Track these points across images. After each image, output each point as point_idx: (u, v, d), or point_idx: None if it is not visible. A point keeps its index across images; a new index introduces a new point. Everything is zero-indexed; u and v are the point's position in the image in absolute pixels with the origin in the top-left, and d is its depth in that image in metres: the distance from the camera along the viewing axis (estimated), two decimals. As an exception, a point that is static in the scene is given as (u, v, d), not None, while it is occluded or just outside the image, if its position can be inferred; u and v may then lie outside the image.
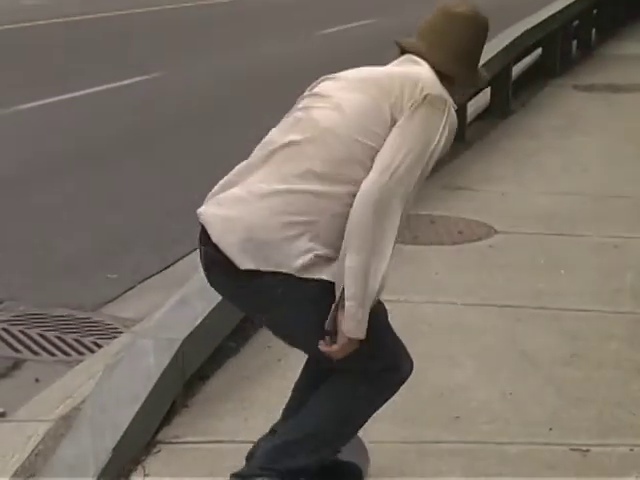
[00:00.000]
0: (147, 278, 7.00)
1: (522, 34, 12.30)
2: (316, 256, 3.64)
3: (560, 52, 14.49)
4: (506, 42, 11.62)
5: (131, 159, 9.91)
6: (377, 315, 3.76)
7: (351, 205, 3.59)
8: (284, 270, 3.63)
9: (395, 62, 3.92)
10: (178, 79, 14.16)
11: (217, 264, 3.73)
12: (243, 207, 3.67)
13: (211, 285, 3.92)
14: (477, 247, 7.20)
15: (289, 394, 4.14)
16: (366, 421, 3.94)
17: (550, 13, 13.89)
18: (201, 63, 15.37)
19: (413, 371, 3.94)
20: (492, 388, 5.03)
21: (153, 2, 22.97)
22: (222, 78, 14.06)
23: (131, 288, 6.82)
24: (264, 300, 3.73)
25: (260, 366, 5.27)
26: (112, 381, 4.65)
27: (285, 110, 3.81)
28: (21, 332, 6.03)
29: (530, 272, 6.69)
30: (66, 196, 8.72)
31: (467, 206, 8.08)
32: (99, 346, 5.83)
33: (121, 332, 5.94)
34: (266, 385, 5.04)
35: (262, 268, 3.63)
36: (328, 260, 3.67)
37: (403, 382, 3.93)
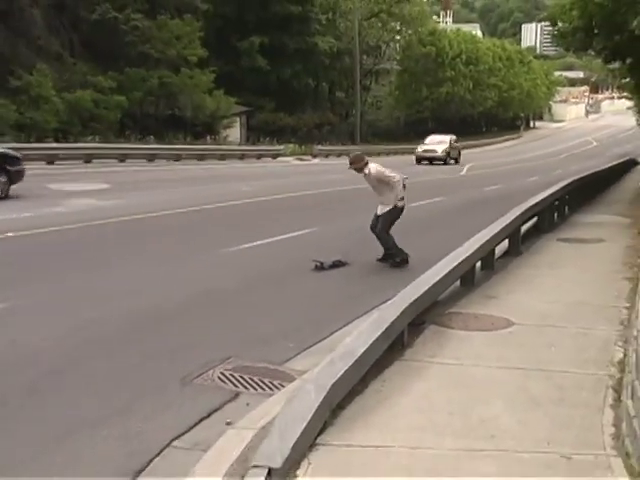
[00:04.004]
0: (311, 346, 6.88)
1: (526, 209, 12.20)
2: None
3: (548, 219, 14.29)
4: (517, 213, 11.55)
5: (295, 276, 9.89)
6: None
7: None
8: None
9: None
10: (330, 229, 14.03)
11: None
12: None
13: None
14: (502, 333, 7.03)
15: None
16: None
17: (541, 197, 13.78)
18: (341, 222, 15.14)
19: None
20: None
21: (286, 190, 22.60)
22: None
23: (301, 352, 6.73)
24: None
25: (379, 400, 5.22)
26: (291, 407, 4.64)
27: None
28: (240, 376, 6.06)
29: (533, 349, 6.50)
30: (261, 298, 8.68)
31: (496, 308, 7.90)
32: (283, 386, 5.80)
33: (295, 378, 5.93)
34: (381, 409, 4.97)
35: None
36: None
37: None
